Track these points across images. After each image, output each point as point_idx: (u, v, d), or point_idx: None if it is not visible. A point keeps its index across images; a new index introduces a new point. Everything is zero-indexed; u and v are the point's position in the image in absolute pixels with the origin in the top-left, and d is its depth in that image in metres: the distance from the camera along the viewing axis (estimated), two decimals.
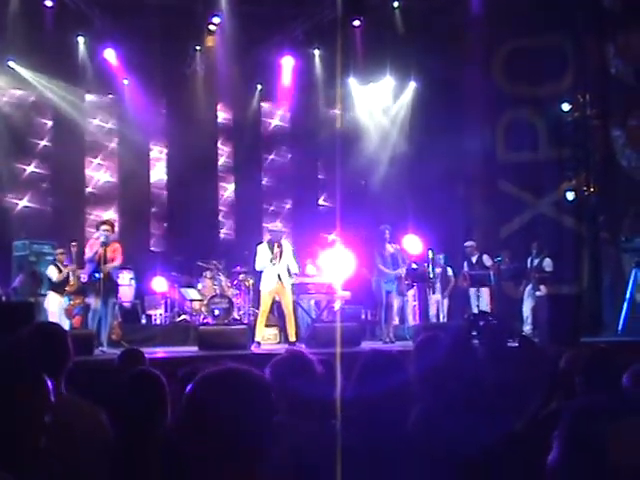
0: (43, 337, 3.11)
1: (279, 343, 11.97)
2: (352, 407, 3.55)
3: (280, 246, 10.76)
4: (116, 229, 11.35)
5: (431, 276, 13.40)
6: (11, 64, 14.56)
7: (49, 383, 2.33)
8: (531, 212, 15.02)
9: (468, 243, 13.65)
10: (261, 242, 11.00)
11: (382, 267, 11.86)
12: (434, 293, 13.77)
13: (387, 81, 16.68)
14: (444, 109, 15.45)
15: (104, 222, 10.61)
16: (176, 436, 2.03)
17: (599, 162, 14.41)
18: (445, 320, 13.24)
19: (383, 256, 11.90)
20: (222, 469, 1.84)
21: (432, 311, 13.79)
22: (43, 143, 15.58)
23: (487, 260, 13.29)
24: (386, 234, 11.94)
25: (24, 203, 15.24)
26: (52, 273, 12.04)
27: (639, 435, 1.52)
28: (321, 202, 17.78)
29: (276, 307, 12.05)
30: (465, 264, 13.56)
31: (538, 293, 12.79)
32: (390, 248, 11.94)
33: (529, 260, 13.21)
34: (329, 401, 3.70)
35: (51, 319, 11.42)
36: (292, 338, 10.64)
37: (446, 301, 13.76)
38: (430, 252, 13.57)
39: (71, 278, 11.97)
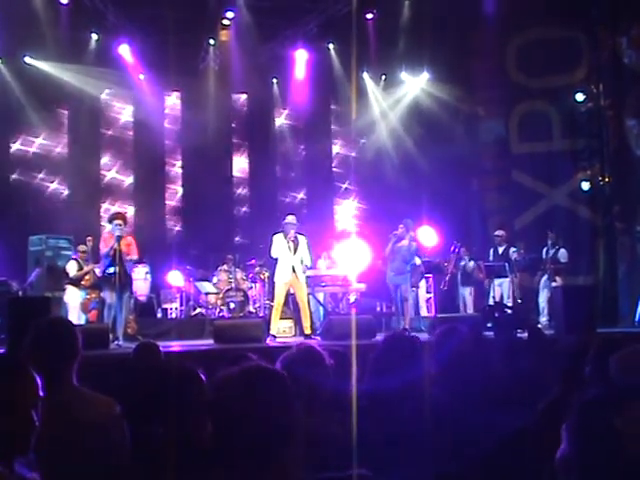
0: (52, 331, 3.14)
1: (294, 336, 11.98)
2: (367, 399, 3.56)
3: (295, 239, 10.76)
4: (129, 222, 11.40)
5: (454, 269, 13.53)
6: (28, 60, 14.67)
7: (35, 379, 2.35)
8: (546, 203, 14.96)
9: (498, 232, 13.56)
10: (277, 232, 10.99)
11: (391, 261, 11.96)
12: (462, 285, 13.83)
13: (400, 73, 16.68)
14: (457, 100, 15.45)
15: (116, 216, 10.53)
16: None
17: (613, 152, 14.34)
18: (471, 312, 13.28)
19: (392, 250, 11.97)
20: (245, 465, 1.88)
21: (462, 303, 13.85)
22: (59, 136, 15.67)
23: (513, 253, 13.22)
24: (399, 228, 11.95)
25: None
26: (71, 269, 12.10)
27: None
28: (335, 195, 17.82)
29: (291, 300, 12.08)
30: (491, 252, 13.50)
31: (554, 284, 12.74)
32: (404, 242, 11.93)
33: (544, 251, 13.16)
34: (341, 394, 3.72)
35: (71, 313, 11.55)
36: (307, 331, 10.64)
37: (469, 292, 13.80)
38: (452, 246, 13.65)
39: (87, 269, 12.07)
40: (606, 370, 3.48)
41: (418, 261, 12.52)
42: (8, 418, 2.25)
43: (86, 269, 12.02)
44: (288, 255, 10.61)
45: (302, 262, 10.84)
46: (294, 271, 10.65)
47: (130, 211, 15.73)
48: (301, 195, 17.67)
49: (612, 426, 1.54)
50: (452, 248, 13.57)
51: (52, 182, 15.46)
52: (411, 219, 12.26)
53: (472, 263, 13.79)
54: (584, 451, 1.58)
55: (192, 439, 3.10)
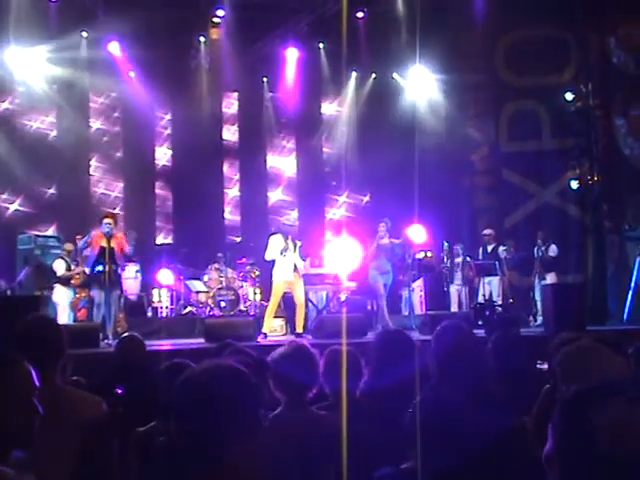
0: (35, 330, 3.13)
1: (285, 334, 11.99)
2: (358, 398, 3.56)
3: (294, 239, 10.79)
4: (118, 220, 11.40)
5: (447, 266, 13.56)
6: (14, 54, 14.55)
7: (29, 367, 2.35)
8: (535, 201, 15.04)
9: (486, 231, 13.64)
10: (275, 233, 10.97)
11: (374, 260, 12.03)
12: (452, 283, 13.86)
13: (390, 72, 16.71)
14: (447, 99, 15.50)
15: (107, 215, 10.59)
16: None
17: (602, 151, 14.42)
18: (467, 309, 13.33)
19: (377, 248, 12.06)
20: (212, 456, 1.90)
21: (453, 301, 13.88)
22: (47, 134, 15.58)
23: (502, 252, 13.25)
24: (379, 227, 12.02)
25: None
26: (59, 268, 12.06)
27: (623, 417, 1.55)
28: (326, 193, 17.82)
29: (284, 298, 12.07)
30: (480, 251, 13.57)
31: (544, 282, 12.80)
32: (384, 241, 11.99)
33: (536, 250, 13.22)
34: (331, 392, 3.72)
35: (60, 312, 11.51)
36: (299, 329, 10.64)
37: (465, 290, 13.82)
38: (446, 243, 13.68)
39: (77, 271, 12.04)
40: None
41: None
42: (8, 407, 2.24)
43: (76, 270, 12.01)
44: (289, 253, 10.57)
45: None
46: (295, 269, 10.66)
47: (120, 210, 15.68)
48: (293, 195, 17.65)
49: (590, 423, 1.55)
50: (445, 248, 13.70)
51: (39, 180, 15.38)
52: (388, 218, 12.30)
53: (460, 259, 13.89)
54: (562, 447, 1.60)
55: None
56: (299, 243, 10.85)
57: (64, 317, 11.56)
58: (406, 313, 13.62)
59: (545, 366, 4.31)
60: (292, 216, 11.14)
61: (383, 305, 11.92)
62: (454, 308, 13.67)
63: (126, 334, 6.01)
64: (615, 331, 10.16)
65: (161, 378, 3.64)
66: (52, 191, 15.38)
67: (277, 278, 10.74)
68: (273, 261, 10.73)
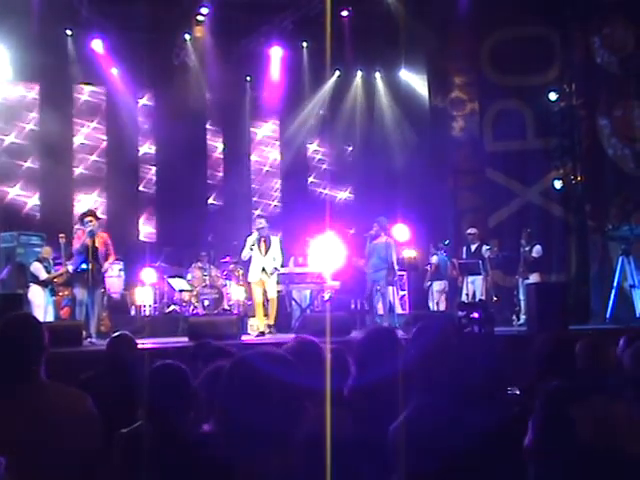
0: (17, 328, 3.10)
1: (269, 333, 12.00)
2: (354, 395, 3.55)
3: (266, 241, 11.12)
4: (101, 218, 11.34)
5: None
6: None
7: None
8: (519, 201, 15.07)
9: (470, 230, 13.65)
10: (250, 234, 11.41)
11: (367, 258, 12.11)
12: (433, 280, 13.95)
13: (374, 71, 16.74)
14: (432, 98, 15.53)
15: (86, 214, 10.46)
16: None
17: (586, 151, 14.48)
18: (443, 308, 13.38)
19: (368, 249, 12.11)
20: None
21: (432, 299, 13.96)
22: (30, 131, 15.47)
23: (485, 251, 13.29)
24: (374, 227, 12.09)
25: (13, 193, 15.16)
26: (39, 272, 11.98)
27: (602, 413, 1.57)
28: (310, 192, 17.81)
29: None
30: (464, 250, 13.59)
31: (526, 281, 12.83)
32: (381, 239, 12.03)
33: (521, 250, 13.25)
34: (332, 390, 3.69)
35: (36, 311, 11.39)
36: (262, 328, 11.04)
37: (437, 288, 13.86)
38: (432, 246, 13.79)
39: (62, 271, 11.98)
40: (554, 369, 3.49)
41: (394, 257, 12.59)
42: None
43: (59, 271, 11.96)
44: (259, 256, 11.01)
45: (274, 260, 11.24)
46: (264, 271, 11.12)
47: (103, 208, 15.58)
48: (276, 193, 17.65)
49: (570, 417, 1.57)
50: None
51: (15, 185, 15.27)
52: (385, 217, 12.35)
53: (435, 258, 13.94)
54: (542, 440, 1.62)
55: (174, 433, 3.09)
56: (276, 239, 11.21)
57: (40, 316, 11.45)
58: (381, 312, 13.65)
59: (517, 392, 4.25)
60: (263, 222, 11.51)
61: (374, 303, 12.09)
62: (435, 306, 13.74)
63: (118, 332, 5.97)
64: (598, 330, 10.22)
65: (150, 380, 3.60)
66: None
67: (250, 280, 11.44)
68: (248, 261, 11.33)
